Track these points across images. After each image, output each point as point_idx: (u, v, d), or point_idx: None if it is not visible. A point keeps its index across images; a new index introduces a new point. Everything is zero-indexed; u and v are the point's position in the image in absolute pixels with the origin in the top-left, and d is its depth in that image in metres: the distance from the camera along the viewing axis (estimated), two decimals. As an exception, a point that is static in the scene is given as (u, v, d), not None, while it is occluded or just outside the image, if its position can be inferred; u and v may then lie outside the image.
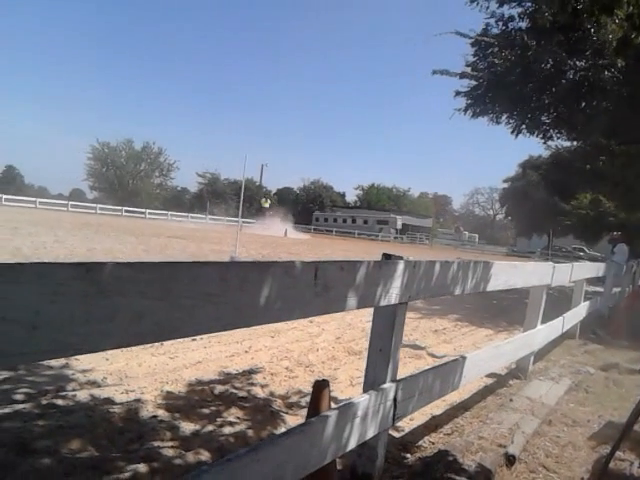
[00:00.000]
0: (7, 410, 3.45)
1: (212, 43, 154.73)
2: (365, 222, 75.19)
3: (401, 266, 2.77)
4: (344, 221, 77.61)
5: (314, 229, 70.54)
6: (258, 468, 1.98)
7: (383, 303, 2.66)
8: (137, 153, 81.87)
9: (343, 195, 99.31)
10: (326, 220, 79.12)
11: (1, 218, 24.72)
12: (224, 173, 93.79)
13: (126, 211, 55.02)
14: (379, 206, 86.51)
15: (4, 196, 47.90)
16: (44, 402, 3.65)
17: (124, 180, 79.61)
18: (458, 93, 15.73)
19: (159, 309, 1.55)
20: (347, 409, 2.50)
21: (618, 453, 3.50)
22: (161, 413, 3.71)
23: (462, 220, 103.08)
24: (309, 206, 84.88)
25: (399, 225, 73.18)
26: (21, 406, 3.55)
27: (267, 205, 50.60)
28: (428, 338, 7.46)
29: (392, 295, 2.72)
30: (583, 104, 14.52)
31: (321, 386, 2.71)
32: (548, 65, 14.00)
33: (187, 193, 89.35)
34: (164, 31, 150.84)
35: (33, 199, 51.08)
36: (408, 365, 5.51)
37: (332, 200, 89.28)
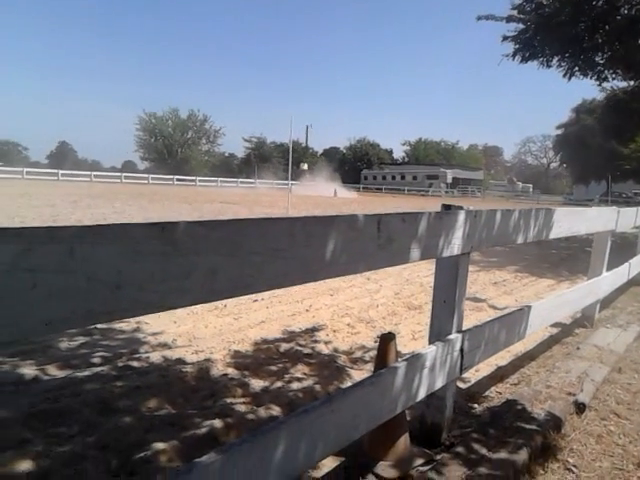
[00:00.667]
0: (87, 373, 3.63)
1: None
2: (414, 178, 74.24)
3: (462, 216, 2.72)
4: (393, 178, 76.85)
5: (363, 188, 70.15)
6: (334, 418, 2.02)
7: (445, 254, 2.63)
8: (183, 121, 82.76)
9: (390, 152, 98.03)
10: (375, 178, 78.56)
11: (60, 192, 25.64)
12: (270, 136, 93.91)
13: (177, 180, 56.07)
14: (428, 161, 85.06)
15: (60, 171, 49.51)
16: (120, 364, 3.82)
17: (173, 149, 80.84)
18: (505, 38, 15.06)
19: (231, 265, 1.58)
20: (415, 360, 2.51)
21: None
22: (231, 371, 3.83)
23: (514, 170, 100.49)
24: (357, 165, 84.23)
25: (449, 179, 71.92)
26: (99, 369, 3.72)
27: (305, 167, 50.98)
28: (488, 290, 7.38)
29: (454, 246, 2.68)
30: (640, 40, 13.71)
31: (387, 339, 2.73)
32: (600, 2, 13.22)
33: (235, 158, 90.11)
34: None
35: (88, 173, 52.64)
36: (469, 317, 5.47)
37: (379, 157, 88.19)
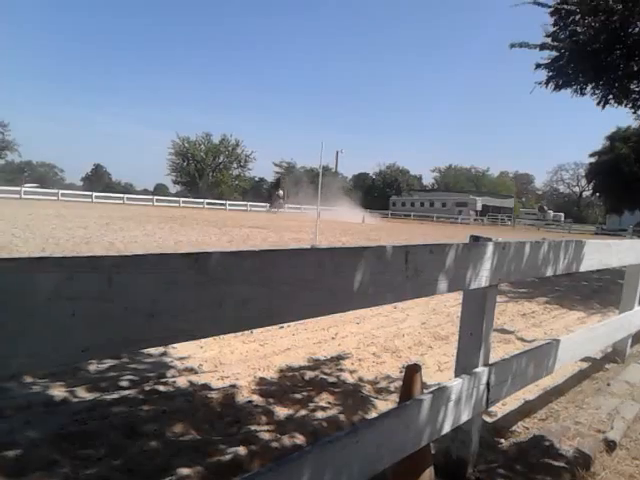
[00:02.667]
0: (115, 396, 3.69)
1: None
2: (443, 205, 73.93)
3: (490, 248, 2.72)
4: (422, 205, 76.64)
5: (391, 214, 70.01)
6: (358, 449, 2.02)
7: (473, 286, 2.63)
8: (215, 146, 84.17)
9: (420, 178, 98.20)
10: (403, 204, 78.43)
11: (94, 215, 26.18)
12: (300, 161, 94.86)
13: (207, 203, 56.88)
14: (457, 188, 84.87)
15: (94, 193, 50.73)
16: (147, 388, 3.87)
17: (204, 173, 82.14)
18: (539, 66, 15.02)
19: (261, 295, 1.61)
20: (441, 393, 2.50)
21: None
22: (256, 398, 3.84)
23: (545, 199, 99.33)
24: (386, 191, 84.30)
25: (479, 206, 71.44)
26: (127, 392, 3.77)
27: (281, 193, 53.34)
28: (516, 322, 7.27)
29: (482, 278, 2.68)
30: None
31: (413, 370, 2.72)
32: (637, 29, 13.15)
33: (265, 183, 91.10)
34: (237, 26, 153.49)
35: (121, 195, 53.90)
36: (497, 349, 5.40)
37: (409, 184, 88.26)
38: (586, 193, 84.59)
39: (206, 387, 3.98)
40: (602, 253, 4.40)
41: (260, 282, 1.61)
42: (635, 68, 14.22)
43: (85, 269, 1.23)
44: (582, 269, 4.03)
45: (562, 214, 74.95)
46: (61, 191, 49.11)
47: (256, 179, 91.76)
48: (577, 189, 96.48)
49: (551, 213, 74.54)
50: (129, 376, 4.08)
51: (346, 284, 1.90)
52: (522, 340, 6.09)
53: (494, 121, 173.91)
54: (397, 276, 2.13)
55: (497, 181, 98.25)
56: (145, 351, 4.67)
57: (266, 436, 3.25)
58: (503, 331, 6.54)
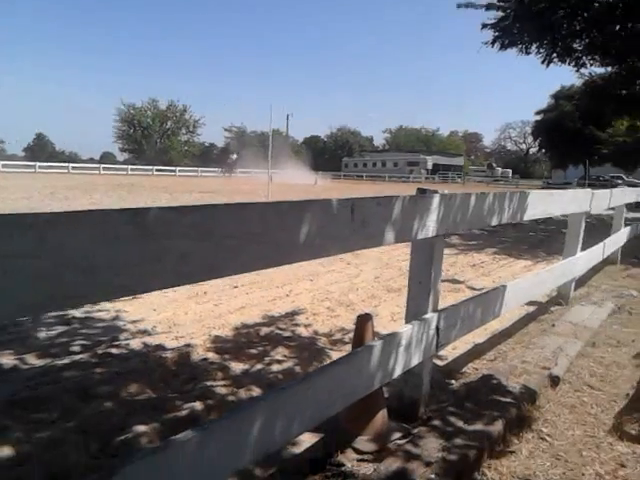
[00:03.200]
0: (66, 361, 3.64)
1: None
2: (395, 165, 74.40)
3: (436, 199, 2.77)
4: (374, 165, 76.93)
5: (344, 175, 70.07)
6: (310, 396, 2.07)
7: (420, 236, 2.68)
8: (162, 112, 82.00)
9: (371, 139, 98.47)
10: (355, 165, 78.56)
11: (38, 185, 25.30)
12: (251, 126, 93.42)
13: (156, 170, 55.56)
14: (408, 148, 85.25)
15: (38, 163, 48.86)
16: (100, 352, 3.83)
17: (152, 140, 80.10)
18: (485, 25, 15.12)
19: (203, 249, 1.60)
20: (391, 339, 2.56)
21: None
22: (211, 355, 3.86)
23: (494, 156, 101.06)
24: (337, 152, 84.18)
25: (430, 165, 72.23)
26: (79, 357, 3.73)
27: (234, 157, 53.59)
28: (466, 272, 7.48)
29: (429, 228, 2.73)
30: (618, 27, 13.85)
31: (364, 319, 2.78)
32: (580, -11, 13.34)
33: (215, 148, 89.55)
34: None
35: (66, 164, 52.05)
36: (448, 298, 5.54)
37: (360, 145, 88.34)
38: (533, 150, 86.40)
39: (160, 347, 3.97)
40: (545, 203, 4.53)
41: (201, 237, 1.59)
42: (578, 27, 14.44)
43: (15, 227, 1.19)
44: (526, 218, 4.14)
45: (510, 170, 76.51)
46: (2, 162, 46.95)
47: (206, 144, 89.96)
48: (524, 146, 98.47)
49: (499, 170, 76.03)
50: (81, 341, 4.03)
51: (292, 237, 1.90)
52: (472, 289, 6.27)
53: (444, 82, 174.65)
54: (344, 228, 2.14)
55: (447, 140, 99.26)
56: (96, 316, 4.62)
57: (222, 391, 3.28)
58: (454, 281, 6.72)
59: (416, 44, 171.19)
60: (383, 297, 5.72)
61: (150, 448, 1.86)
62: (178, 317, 4.73)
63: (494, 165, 79.94)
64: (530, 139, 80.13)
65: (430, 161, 73.00)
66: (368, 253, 8.46)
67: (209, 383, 3.38)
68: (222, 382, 3.43)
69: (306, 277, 6.59)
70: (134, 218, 1.42)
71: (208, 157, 78.65)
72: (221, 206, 1.69)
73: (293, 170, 57.17)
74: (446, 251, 9.23)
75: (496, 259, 8.89)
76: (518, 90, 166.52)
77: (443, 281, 6.61)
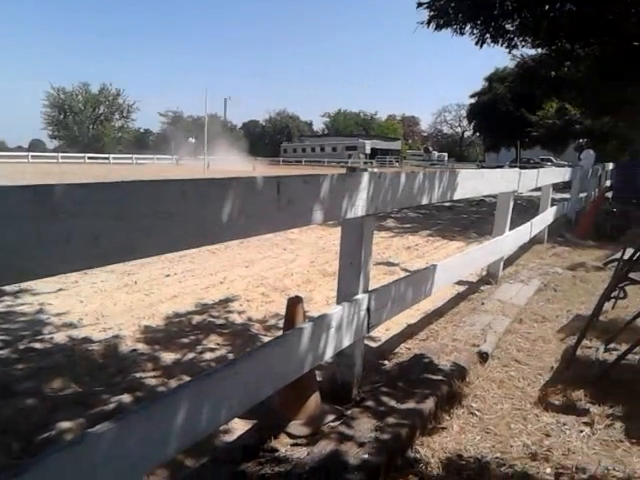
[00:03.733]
0: (-16, 358, 3.45)
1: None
2: (334, 149, 74.58)
3: (366, 177, 2.75)
4: (312, 150, 76.87)
5: (283, 161, 69.73)
6: (237, 381, 2.01)
7: (350, 215, 2.65)
8: (94, 96, 79.08)
9: (310, 124, 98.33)
10: (295, 151, 78.31)
11: (-42, 175, 23.96)
12: (187, 110, 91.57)
13: (89, 158, 53.52)
14: (347, 132, 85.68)
15: (-41, 153, 46.28)
16: (21, 347, 3.65)
17: (84, 126, 77.21)
18: (420, 4, 15.12)
19: (117, 229, 1.51)
20: (321, 321, 2.54)
21: (585, 341, 3.67)
22: (140, 346, 3.75)
23: (431, 140, 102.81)
24: (277, 137, 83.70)
25: (368, 150, 72.75)
26: (-2, 353, 3.54)
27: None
28: (401, 255, 7.58)
29: (358, 207, 2.71)
30: (547, 7, 14.19)
31: (294, 302, 2.75)
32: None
33: (151, 134, 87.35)
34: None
35: (-10, 153, 49.45)
36: (382, 281, 5.52)
37: (299, 130, 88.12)
38: (467, 133, 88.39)
39: (87, 340, 3.82)
40: (475, 182, 4.61)
41: (114, 215, 1.50)
42: (509, 8, 14.70)
43: None
44: (457, 197, 4.20)
45: (446, 154, 78.00)
46: None
47: (141, 130, 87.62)
48: (459, 129, 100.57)
49: (436, 154, 77.35)
50: (0, 337, 3.83)
51: (214, 216, 1.83)
52: (406, 270, 6.35)
53: (383, 65, 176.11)
54: (269, 207, 2.09)
55: (385, 124, 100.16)
56: (18, 310, 4.40)
57: (152, 382, 3.20)
58: (389, 264, 6.79)
59: (352, 25, 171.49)
60: (318, 281, 5.72)
61: (66, 442, 1.77)
62: (106, 308, 4.56)
63: (430, 149, 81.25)
64: (465, 122, 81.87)
65: (369, 145, 73.52)
66: (305, 238, 8.46)
67: (138, 375, 3.28)
68: (152, 373, 3.34)
69: (241, 264, 6.51)
70: (36, 196, 1.31)
71: (144, 143, 76.66)
72: (136, 183, 1.60)
73: (231, 156, 56.49)
74: (382, 234, 9.40)
75: (430, 241, 9.06)
76: (455, 73, 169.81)
77: (378, 264, 6.74)
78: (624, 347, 3.31)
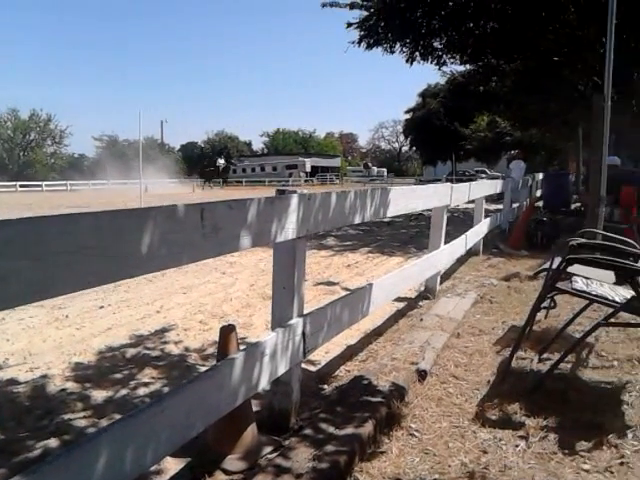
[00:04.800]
0: None
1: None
2: (274, 169, 74.55)
3: (295, 200, 2.72)
4: (252, 170, 76.62)
5: (223, 181, 69.16)
6: (165, 419, 1.92)
7: (280, 239, 2.62)
8: (24, 122, 76.38)
9: (249, 144, 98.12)
10: (235, 171, 77.81)
11: None
12: (123, 134, 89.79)
13: (21, 186, 51.55)
14: (287, 151, 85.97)
15: None
16: (-62, 394, 3.41)
17: (14, 153, 74.39)
18: (350, 25, 15.37)
19: (27, 268, 1.42)
20: (254, 349, 2.48)
21: (520, 353, 3.73)
22: (70, 385, 3.57)
23: (370, 156, 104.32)
24: (215, 158, 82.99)
25: (308, 168, 73.02)
26: None
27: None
28: (341, 273, 7.58)
29: (289, 230, 2.67)
30: (471, 25, 14.68)
31: (227, 331, 2.67)
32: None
33: (86, 159, 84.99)
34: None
35: None
36: (323, 302, 5.56)
37: (239, 150, 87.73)
38: (405, 148, 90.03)
39: (12, 382, 3.60)
40: (407, 198, 4.66)
41: (24, 254, 1.41)
42: (436, 26, 15.13)
43: None
44: (390, 214, 4.24)
45: (385, 169, 79.19)
46: None
47: (75, 155, 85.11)
48: (397, 145, 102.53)
49: (375, 169, 78.41)
50: None
51: (133, 248, 1.76)
52: (346, 289, 6.32)
53: (320, 83, 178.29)
54: (194, 235, 2.02)
55: (324, 142, 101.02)
56: None
57: (82, 423, 3.04)
58: (329, 283, 6.78)
59: (283, 49, 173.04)
60: (258, 305, 5.63)
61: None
62: (35, 346, 4.33)
63: (370, 165, 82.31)
64: (402, 138, 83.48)
65: (309, 163, 73.82)
66: (245, 261, 8.35)
67: (67, 416, 3.11)
68: (82, 414, 3.17)
69: (179, 291, 6.34)
70: None
71: (79, 169, 74.43)
72: (49, 218, 1.53)
73: (170, 179, 55.67)
74: (322, 253, 9.40)
75: (370, 258, 9.11)
76: (390, 89, 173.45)
77: (319, 284, 6.72)
78: (557, 356, 3.39)
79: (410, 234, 12.53)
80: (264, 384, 2.58)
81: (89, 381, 3.63)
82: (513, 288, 5.96)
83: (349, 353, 4.13)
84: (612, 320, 3.25)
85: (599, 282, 3.58)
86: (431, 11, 14.41)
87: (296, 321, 2.84)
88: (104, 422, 2.98)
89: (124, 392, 3.46)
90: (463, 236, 6.86)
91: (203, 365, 3.89)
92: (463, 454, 2.55)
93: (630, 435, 2.65)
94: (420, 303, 5.51)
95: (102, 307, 5.52)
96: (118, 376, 3.72)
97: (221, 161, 56.79)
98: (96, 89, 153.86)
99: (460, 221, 12.33)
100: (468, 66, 19.52)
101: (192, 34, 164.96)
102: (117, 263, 1.73)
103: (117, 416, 3.04)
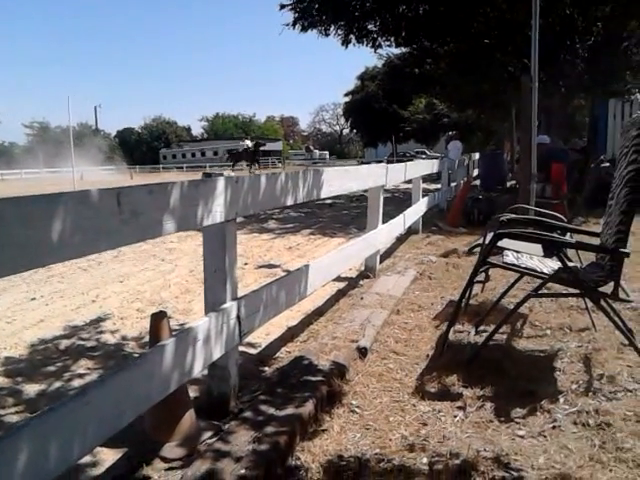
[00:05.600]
0: None
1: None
2: (215, 153, 73.36)
3: (221, 183, 2.68)
4: (193, 155, 75.26)
5: (163, 168, 67.67)
6: (90, 411, 1.86)
7: (207, 223, 2.57)
8: (-54, 111, 72.52)
9: (189, 129, 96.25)
10: (174, 157, 76.23)
11: None
12: (55, 121, 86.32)
13: (-55, 179, 48.96)
14: (227, 135, 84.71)
15: None
16: None
17: (-64, 144, 70.60)
18: (283, 7, 15.14)
19: None
20: (186, 335, 2.44)
21: (457, 326, 3.83)
22: (0, 380, 3.44)
23: (311, 139, 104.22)
24: (154, 144, 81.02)
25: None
26: None
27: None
28: (283, 256, 7.56)
29: (216, 213, 2.63)
30: (404, 7, 14.77)
31: (158, 318, 2.62)
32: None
33: (17, 147, 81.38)
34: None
35: None
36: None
37: (178, 135, 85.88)
38: (346, 131, 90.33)
39: (-64, 381, 3.44)
40: (342, 179, 4.67)
41: None
42: (369, 9, 15.13)
43: None
44: (323, 195, 4.23)
45: (327, 152, 79.32)
46: None
47: (5, 144, 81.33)
48: (337, 127, 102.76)
49: (317, 152, 78.41)
50: None
51: (42, 235, 1.68)
52: (287, 272, 6.30)
53: (259, 67, 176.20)
54: (110, 221, 1.96)
55: (265, 126, 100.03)
56: None
57: (13, 419, 2.94)
58: (270, 266, 6.75)
59: (220, 33, 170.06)
60: (198, 291, 5.53)
61: None
62: (-40, 342, 4.15)
63: (312, 148, 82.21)
64: (342, 120, 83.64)
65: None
66: (185, 247, 8.22)
67: (-4, 413, 2.99)
68: (13, 409, 3.06)
69: (116, 279, 6.18)
70: None
71: (10, 157, 71.19)
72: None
73: (107, 166, 54.06)
74: (263, 236, 9.36)
75: (311, 240, 9.13)
76: (329, 73, 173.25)
77: (260, 267, 6.69)
78: (493, 328, 3.48)
79: (352, 215, 12.60)
80: (199, 369, 2.55)
81: (20, 375, 3.51)
82: (451, 264, 6.09)
83: (290, 334, 4.13)
84: (542, 291, 3.36)
85: (529, 255, 3.69)
86: (364, -7, 14.36)
87: (230, 305, 2.81)
88: (35, 417, 2.89)
89: (58, 385, 3.36)
90: (401, 215, 6.96)
91: (141, 353, 3.82)
92: (403, 427, 2.59)
93: (562, 400, 2.74)
94: (361, 282, 5.56)
95: (34, 299, 5.32)
96: (52, 369, 3.61)
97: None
98: (26, 74, 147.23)
99: (401, 201, 12.49)
100: (403, 49, 19.71)
101: (127, 17, 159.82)
102: (26, 252, 1.65)
103: (49, 410, 2.95)
